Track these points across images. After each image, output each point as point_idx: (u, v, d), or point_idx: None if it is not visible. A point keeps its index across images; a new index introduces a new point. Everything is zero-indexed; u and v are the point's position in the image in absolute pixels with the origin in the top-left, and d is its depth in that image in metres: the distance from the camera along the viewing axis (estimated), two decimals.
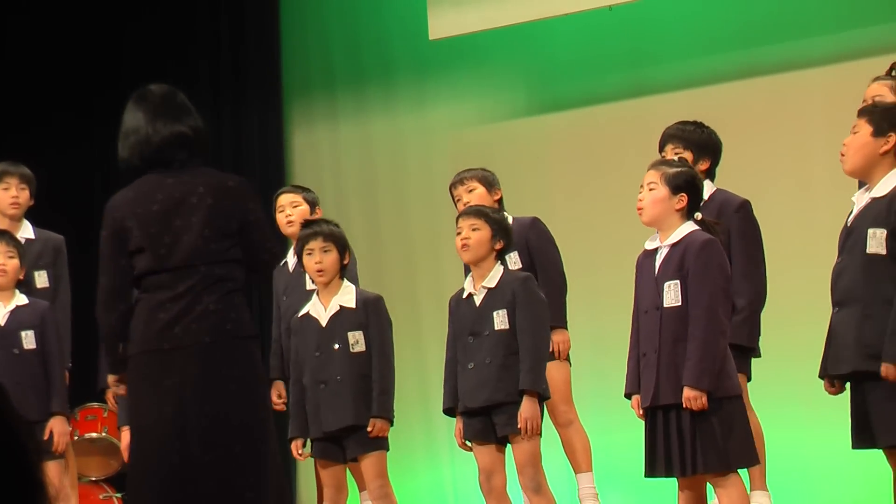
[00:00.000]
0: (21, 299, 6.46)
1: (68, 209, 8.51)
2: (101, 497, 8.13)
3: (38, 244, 6.95)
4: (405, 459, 8.21)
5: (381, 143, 9.12)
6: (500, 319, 5.74)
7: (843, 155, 5.21)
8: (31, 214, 7.12)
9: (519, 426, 5.64)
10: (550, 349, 6.26)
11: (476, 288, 5.83)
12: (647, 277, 5.17)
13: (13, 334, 6.36)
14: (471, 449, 5.84)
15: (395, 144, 9.08)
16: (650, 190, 5.17)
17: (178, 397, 4.71)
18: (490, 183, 6.45)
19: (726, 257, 5.21)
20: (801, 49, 7.96)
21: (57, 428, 6.38)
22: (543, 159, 8.57)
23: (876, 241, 5.02)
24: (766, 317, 5.92)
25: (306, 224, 6.20)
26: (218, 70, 9.47)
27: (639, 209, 5.19)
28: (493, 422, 5.73)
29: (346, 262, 6.05)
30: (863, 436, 5.06)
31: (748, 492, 5.78)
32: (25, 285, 6.68)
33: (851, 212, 5.20)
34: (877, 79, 5.79)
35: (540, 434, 5.71)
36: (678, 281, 5.05)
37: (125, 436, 6.24)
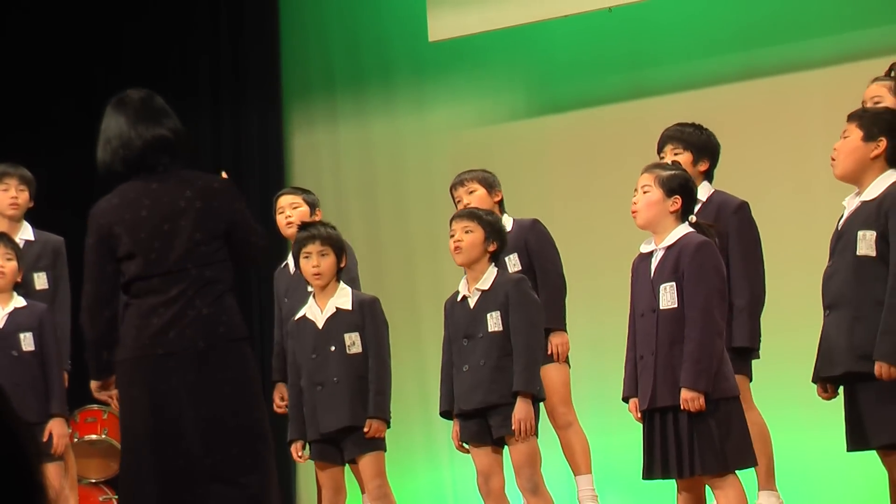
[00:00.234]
0: (19, 301, 6.46)
1: (67, 210, 8.50)
2: (100, 499, 8.14)
3: (37, 246, 6.95)
4: (405, 461, 8.21)
5: (380, 144, 9.12)
6: (494, 321, 5.74)
7: (833, 160, 5.24)
8: (31, 215, 7.12)
9: (513, 427, 5.64)
10: (549, 351, 6.27)
11: (470, 290, 5.83)
12: (643, 280, 5.17)
13: (12, 336, 6.36)
14: (468, 451, 5.84)
15: (395, 146, 9.08)
16: (644, 193, 5.18)
17: (175, 402, 4.71)
18: (490, 184, 6.45)
19: (721, 259, 5.21)
20: (801, 51, 7.96)
21: (56, 430, 6.38)
22: (543, 161, 8.57)
23: (866, 243, 5.04)
24: (764, 318, 5.92)
25: (303, 226, 6.20)
26: (218, 72, 9.47)
27: (633, 212, 5.20)
28: (489, 424, 5.73)
29: (342, 265, 6.06)
30: (857, 438, 5.08)
31: (757, 491, 5.80)
32: (25, 287, 6.68)
33: (842, 216, 5.22)
34: (876, 80, 5.80)
35: (535, 435, 5.71)
36: (674, 283, 5.06)
37: None
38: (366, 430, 5.88)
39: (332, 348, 5.96)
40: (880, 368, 4.89)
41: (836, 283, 5.12)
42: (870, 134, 5.14)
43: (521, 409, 5.64)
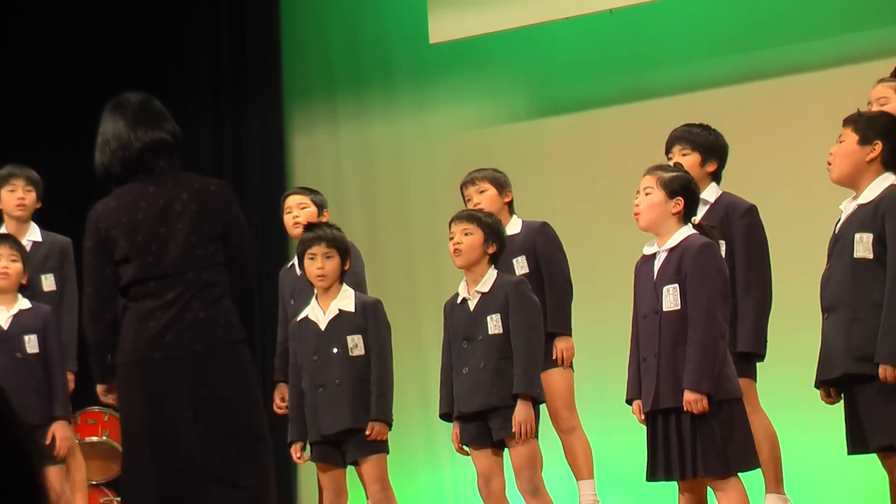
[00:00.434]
0: (24, 303, 6.46)
1: (69, 211, 8.50)
2: (101, 501, 8.13)
3: (44, 247, 6.94)
4: (406, 463, 8.21)
5: (381, 146, 9.12)
6: (494, 324, 5.73)
7: (829, 164, 5.25)
8: (36, 216, 7.12)
9: (513, 430, 5.64)
10: (554, 356, 6.26)
11: (470, 293, 5.82)
12: (646, 282, 5.17)
13: (16, 338, 6.36)
14: (468, 453, 5.84)
15: (396, 148, 9.08)
16: (646, 195, 5.18)
17: (173, 405, 4.71)
18: (501, 185, 6.42)
19: (724, 261, 5.21)
20: (802, 52, 7.96)
21: (59, 433, 6.37)
22: (544, 163, 8.57)
23: (863, 245, 5.04)
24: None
25: (309, 227, 6.19)
26: (219, 74, 9.47)
27: (635, 214, 5.20)
28: (489, 426, 5.73)
29: (346, 267, 6.05)
30: (856, 441, 5.08)
31: (764, 494, 5.78)
32: (32, 288, 6.67)
33: (839, 219, 5.23)
34: (881, 81, 5.80)
35: (536, 437, 5.71)
36: (677, 285, 5.05)
37: None
38: (368, 432, 5.87)
39: (335, 350, 5.95)
40: (885, 371, 4.88)
41: (833, 286, 5.13)
42: (865, 137, 5.16)
43: (521, 411, 5.64)
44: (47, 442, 6.31)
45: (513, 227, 6.38)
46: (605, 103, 8.47)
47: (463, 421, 5.79)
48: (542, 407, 5.92)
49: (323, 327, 5.99)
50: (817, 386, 5.22)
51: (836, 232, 5.22)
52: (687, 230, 5.14)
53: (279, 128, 9.37)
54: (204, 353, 4.72)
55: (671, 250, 5.11)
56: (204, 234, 4.78)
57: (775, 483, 5.81)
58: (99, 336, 4.88)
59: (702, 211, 5.83)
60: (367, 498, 6.13)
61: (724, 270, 5.13)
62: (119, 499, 8.05)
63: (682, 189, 5.16)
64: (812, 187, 7.65)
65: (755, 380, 5.81)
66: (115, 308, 4.84)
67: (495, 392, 5.67)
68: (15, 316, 6.40)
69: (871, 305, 4.98)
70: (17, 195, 6.94)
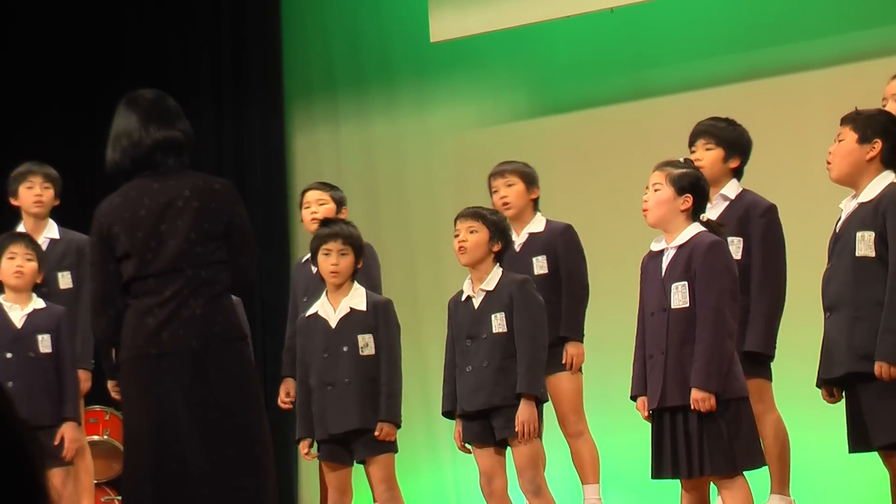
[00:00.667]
0: (38, 303, 6.44)
1: (67, 208, 8.49)
2: (102, 500, 8.13)
3: (62, 244, 6.94)
4: (407, 461, 8.18)
5: (382, 145, 9.12)
6: (498, 322, 5.72)
7: (829, 163, 5.24)
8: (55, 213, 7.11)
9: (516, 429, 5.62)
10: (564, 360, 6.22)
11: (474, 290, 5.81)
12: (653, 279, 5.15)
13: (29, 337, 6.35)
14: (470, 451, 5.83)
15: (396, 147, 9.08)
16: (655, 191, 5.15)
17: (169, 403, 4.70)
18: (530, 180, 6.38)
19: (733, 259, 5.19)
20: (803, 51, 7.95)
21: (68, 434, 6.35)
22: (544, 162, 8.52)
23: (864, 243, 5.04)
24: None
25: (324, 223, 6.15)
26: (219, 73, 9.47)
27: (644, 210, 5.18)
28: (492, 425, 5.72)
29: (359, 265, 6.02)
30: (858, 439, 5.08)
31: (768, 494, 5.77)
32: (48, 286, 6.65)
33: (840, 218, 5.22)
34: None
35: (539, 436, 5.70)
36: (685, 283, 5.04)
37: None
38: (377, 433, 5.85)
39: (345, 349, 5.92)
40: (880, 368, 4.89)
41: (835, 284, 5.12)
42: (864, 136, 5.15)
43: (524, 411, 5.63)
44: (55, 443, 6.30)
45: (536, 224, 6.35)
46: (606, 102, 8.46)
47: (466, 419, 5.78)
48: (547, 407, 5.91)
49: (333, 325, 5.96)
50: (819, 385, 5.21)
51: (837, 231, 5.22)
52: (695, 227, 5.12)
53: (280, 127, 9.36)
54: (200, 349, 4.71)
55: (680, 247, 5.09)
56: (204, 231, 4.78)
57: (781, 484, 5.78)
58: (102, 333, 4.90)
59: (721, 207, 5.81)
60: (375, 498, 6.13)
61: (734, 269, 5.11)
62: (120, 498, 8.05)
63: (691, 186, 5.13)
64: (813, 186, 7.64)
65: (770, 379, 5.78)
66: (118, 304, 4.84)
67: (498, 391, 5.66)
68: (29, 315, 6.40)
69: (873, 304, 4.97)
70: (35, 192, 6.95)
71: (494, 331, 5.71)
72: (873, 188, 5.12)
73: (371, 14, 9.20)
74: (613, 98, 8.43)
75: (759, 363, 5.69)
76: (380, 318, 5.96)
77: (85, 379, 6.72)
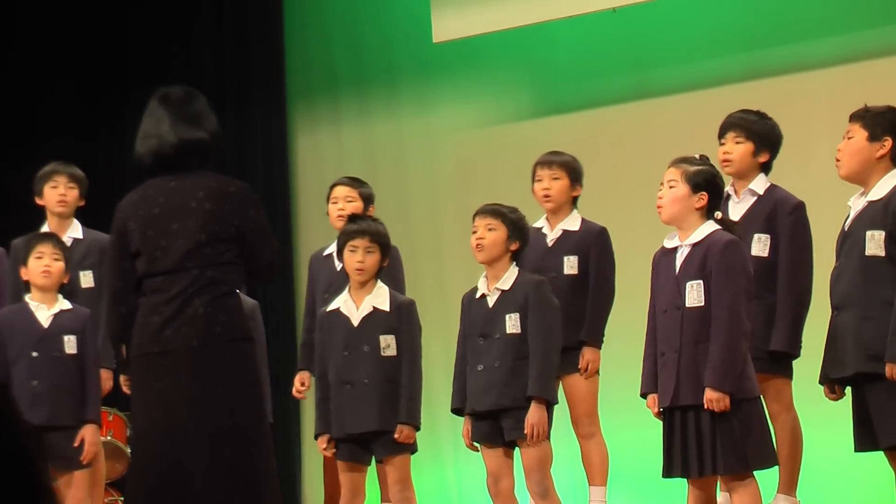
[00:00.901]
0: (64, 304, 6.44)
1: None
2: (106, 501, 8.13)
3: (84, 244, 6.95)
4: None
5: (384, 145, 9.12)
6: (513, 323, 5.67)
7: (838, 160, 5.22)
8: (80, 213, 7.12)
9: (525, 431, 5.60)
10: (580, 365, 6.19)
11: (489, 289, 5.75)
12: (667, 276, 5.09)
13: (56, 337, 6.35)
14: (478, 450, 5.81)
15: (399, 147, 9.08)
16: (670, 188, 5.09)
17: (168, 401, 4.71)
18: (576, 178, 6.30)
19: (748, 258, 5.13)
20: (805, 51, 7.95)
21: (88, 437, 6.32)
22: None
23: (874, 243, 5.03)
24: None
25: (352, 219, 6.06)
26: (222, 73, 9.47)
27: (658, 207, 5.12)
28: (501, 425, 5.68)
29: (385, 264, 5.96)
30: (865, 438, 5.07)
31: (774, 493, 5.75)
32: (70, 284, 6.65)
33: (848, 216, 5.20)
34: None
35: (548, 439, 5.67)
36: (701, 281, 4.98)
37: None
38: (396, 435, 5.79)
39: (366, 348, 5.85)
40: (891, 370, 4.88)
41: (843, 283, 5.10)
42: (874, 134, 5.14)
43: (534, 413, 5.59)
44: (76, 444, 6.29)
45: (572, 222, 6.27)
46: (608, 102, 8.46)
47: (475, 418, 5.74)
48: (557, 407, 5.87)
49: (356, 323, 5.89)
50: (822, 382, 5.20)
51: (846, 229, 5.19)
52: (710, 226, 5.06)
53: (282, 127, 9.37)
54: (200, 348, 4.72)
55: (695, 245, 5.04)
56: (213, 233, 4.79)
57: (789, 484, 5.74)
58: (113, 329, 4.95)
59: (749, 202, 5.76)
60: (382, 498, 6.10)
61: (749, 268, 5.06)
62: (123, 498, 8.06)
63: (707, 183, 5.07)
64: (815, 185, 7.64)
65: (791, 378, 5.72)
66: (130, 302, 4.86)
67: (508, 393, 5.63)
68: (55, 316, 6.40)
69: (881, 304, 4.96)
70: (59, 192, 6.97)
71: (508, 331, 5.67)
72: (883, 186, 5.10)
73: (373, 14, 9.20)
74: (615, 98, 8.43)
75: (781, 362, 5.64)
76: (403, 319, 5.90)
77: (106, 378, 6.72)
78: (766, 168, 5.87)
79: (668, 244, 5.14)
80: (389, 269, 6.14)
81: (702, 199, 5.06)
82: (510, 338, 5.67)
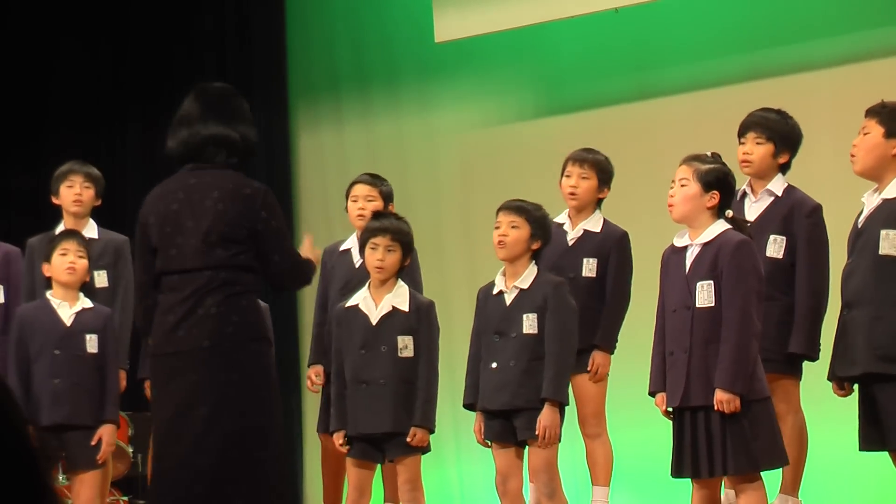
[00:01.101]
0: (86, 302, 6.44)
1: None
2: (108, 501, 8.13)
3: (99, 244, 6.95)
4: None
5: (386, 145, 9.12)
6: (530, 323, 5.63)
7: (853, 156, 5.17)
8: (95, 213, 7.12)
9: (537, 433, 5.56)
10: (589, 367, 6.16)
11: (507, 286, 5.71)
12: (676, 275, 5.05)
13: (77, 336, 6.34)
14: (489, 446, 5.78)
15: (401, 147, 9.08)
16: (682, 186, 5.04)
17: (177, 401, 4.71)
18: (605, 180, 6.25)
19: (759, 259, 5.08)
20: (807, 51, 7.94)
21: (105, 437, 6.32)
22: (549, 162, 8.51)
23: (889, 242, 4.99)
24: None
25: (376, 216, 5.99)
26: (224, 73, 9.46)
27: (669, 205, 5.07)
28: (514, 425, 5.65)
29: (406, 263, 5.89)
30: (871, 438, 5.05)
31: (777, 493, 5.74)
32: (86, 285, 6.66)
33: (861, 213, 5.16)
34: None
35: (559, 441, 5.65)
36: (711, 281, 4.93)
37: None
38: (409, 439, 5.75)
39: (383, 348, 5.79)
40: None
41: (855, 281, 5.07)
42: (891, 130, 5.09)
43: (547, 416, 5.56)
44: (93, 443, 6.29)
45: (594, 223, 6.22)
46: (611, 102, 8.45)
47: (487, 416, 5.71)
48: (567, 407, 5.84)
49: (374, 322, 5.83)
50: (830, 378, 5.18)
51: (859, 226, 5.14)
52: (721, 225, 5.02)
53: (284, 127, 9.37)
54: (210, 348, 4.71)
55: (705, 245, 4.99)
56: (223, 234, 4.77)
57: (792, 485, 5.73)
58: (139, 322, 4.98)
59: (766, 203, 5.71)
60: (387, 498, 6.07)
61: (760, 269, 5.02)
62: (126, 498, 8.07)
63: (718, 182, 5.01)
64: (817, 185, 7.63)
65: (800, 379, 5.71)
66: (153, 296, 4.87)
67: (522, 393, 5.59)
68: (77, 314, 6.39)
69: (894, 304, 4.93)
70: (75, 191, 6.97)
71: (525, 331, 5.62)
72: None
73: (375, 14, 9.20)
74: (618, 98, 8.43)
75: (792, 363, 5.62)
76: (422, 320, 5.84)
77: (121, 378, 6.73)
78: (784, 168, 5.82)
79: (678, 243, 5.09)
80: (409, 270, 6.07)
81: (713, 197, 5.01)
82: (526, 338, 5.62)
